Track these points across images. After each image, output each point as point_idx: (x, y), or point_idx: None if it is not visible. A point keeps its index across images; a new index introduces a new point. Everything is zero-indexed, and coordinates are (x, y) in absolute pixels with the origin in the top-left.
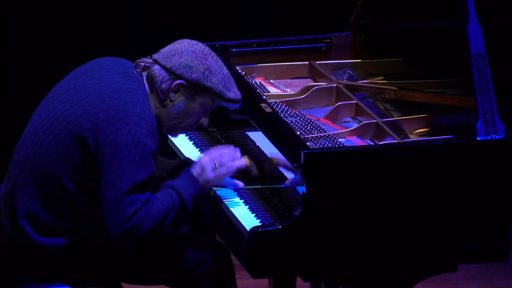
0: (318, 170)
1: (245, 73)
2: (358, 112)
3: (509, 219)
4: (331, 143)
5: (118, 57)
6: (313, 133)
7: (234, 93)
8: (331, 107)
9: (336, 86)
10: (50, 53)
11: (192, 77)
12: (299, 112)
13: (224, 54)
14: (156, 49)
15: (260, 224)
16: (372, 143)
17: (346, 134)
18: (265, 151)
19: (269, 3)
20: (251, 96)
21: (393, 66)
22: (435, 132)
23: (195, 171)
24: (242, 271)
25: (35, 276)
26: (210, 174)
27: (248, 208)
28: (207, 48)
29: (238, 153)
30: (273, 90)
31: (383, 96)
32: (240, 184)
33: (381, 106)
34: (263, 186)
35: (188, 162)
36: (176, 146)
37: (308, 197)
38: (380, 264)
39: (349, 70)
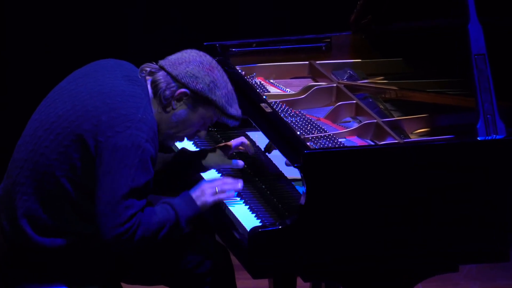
0: (318, 170)
1: (245, 73)
2: (358, 112)
3: (510, 219)
4: (331, 143)
5: (122, 60)
6: (313, 133)
7: (235, 110)
8: (331, 107)
9: (336, 86)
10: (50, 53)
11: (197, 87)
12: (299, 112)
13: (224, 54)
14: (156, 49)
15: (260, 224)
16: (373, 143)
17: (347, 134)
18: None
19: (269, 3)
20: (251, 96)
21: (394, 66)
22: (435, 132)
23: (194, 194)
24: (242, 271)
25: (35, 276)
26: (209, 198)
27: (248, 208)
28: (214, 61)
29: (241, 184)
30: (273, 90)
31: (383, 96)
32: (240, 163)
33: (381, 106)
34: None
35: (184, 154)
36: (176, 146)
37: (308, 197)
38: (380, 264)
39: (349, 70)
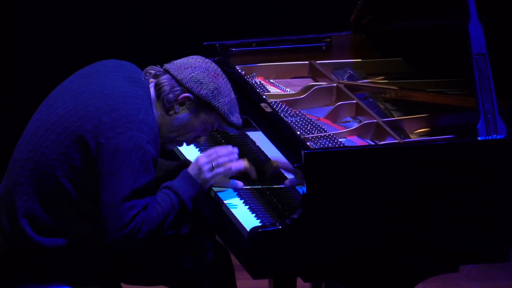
0: (318, 170)
1: (245, 73)
2: (358, 111)
3: (510, 219)
4: (331, 143)
5: (124, 60)
6: (313, 133)
7: (236, 118)
8: (331, 107)
9: (337, 85)
10: (50, 53)
11: (201, 93)
12: (299, 112)
13: (224, 54)
14: (156, 49)
15: (260, 224)
16: (373, 143)
17: (347, 134)
18: (265, 151)
19: (269, 3)
20: (251, 95)
21: (394, 65)
22: (435, 132)
23: (192, 171)
24: (242, 272)
25: (35, 276)
26: (207, 174)
27: (248, 208)
28: (219, 69)
29: (236, 153)
30: (273, 90)
31: (383, 95)
32: (240, 184)
33: (381, 106)
34: (263, 187)
35: (186, 164)
36: (177, 148)
37: (309, 197)
38: (380, 265)
39: (350, 70)
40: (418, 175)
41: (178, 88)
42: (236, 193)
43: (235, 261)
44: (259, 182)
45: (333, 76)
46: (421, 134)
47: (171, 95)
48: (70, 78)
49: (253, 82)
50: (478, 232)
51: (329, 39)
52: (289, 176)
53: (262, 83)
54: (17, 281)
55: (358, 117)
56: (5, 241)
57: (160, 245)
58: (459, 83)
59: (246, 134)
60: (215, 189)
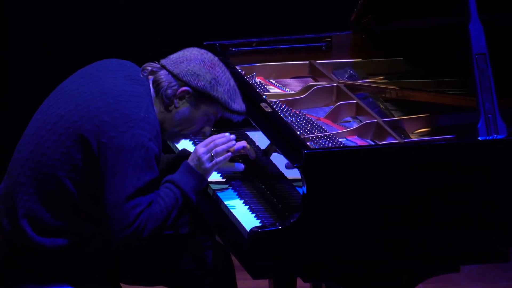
0: (318, 170)
1: (245, 73)
2: (358, 111)
3: (511, 220)
4: (331, 143)
5: (124, 60)
6: (313, 133)
7: (239, 104)
8: (331, 107)
9: (337, 85)
10: (50, 53)
11: (199, 85)
12: (299, 111)
13: (223, 54)
14: (156, 49)
15: (260, 224)
16: (373, 143)
17: (347, 134)
18: None
19: (269, 3)
20: (251, 95)
21: (394, 65)
22: (436, 132)
23: (192, 163)
24: (242, 272)
25: (35, 277)
26: (207, 164)
27: (248, 208)
28: (216, 58)
29: (233, 140)
30: (273, 90)
31: (384, 95)
32: (241, 166)
33: (381, 106)
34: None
35: (186, 154)
36: (175, 145)
37: (309, 197)
38: (380, 265)
39: (350, 70)
40: (419, 175)
41: (175, 82)
42: (236, 193)
43: (235, 261)
44: (259, 181)
45: (333, 76)
46: (422, 134)
47: (169, 91)
48: (70, 78)
49: (253, 82)
50: (479, 232)
51: (329, 39)
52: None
53: (262, 83)
54: (17, 281)
55: (358, 117)
56: (5, 241)
57: (160, 245)
58: (460, 83)
59: (246, 134)
60: (214, 188)
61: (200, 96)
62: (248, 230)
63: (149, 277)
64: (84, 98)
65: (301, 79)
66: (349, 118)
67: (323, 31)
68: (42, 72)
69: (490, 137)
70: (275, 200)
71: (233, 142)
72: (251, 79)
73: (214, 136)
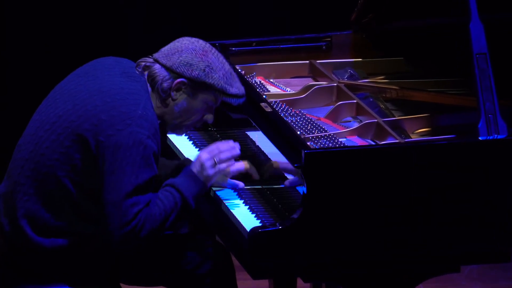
0: (318, 170)
1: (245, 72)
2: (359, 111)
3: (511, 220)
4: (331, 143)
5: (120, 57)
6: (313, 133)
7: (237, 88)
8: (331, 107)
9: (337, 85)
10: (50, 53)
11: (193, 74)
12: (300, 111)
13: (223, 53)
14: (156, 49)
15: (260, 224)
16: (373, 143)
17: (347, 133)
18: (265, 151)
19: (269, 3)
20: (251, 95)
21: (394, 65)
22: (436, 131)
23: (195, 168)
24: (242, 272)
25: (35, 277)
26: (210, 171)
27: (248, 208)
28: (207, 45)
29: (237, 148)
30: (273, 90)
31: (384, 95)
32: (241, 184)
33: (382, 106)
34: (263, 187)
35: (187, 162)
36: (175, 145)
37: (309, 197)
38: (380, 265)
39: (350, 69)
40: (419, 175)
41: (170, 75)
42: (236, 193)
43: (235, 261)
44: (259, 182)
45: (334, 76)
46: (422, 134)
47: (165, 84)
48: (68, 78)
49: (253, 82)
50: (479, 232)
51: (329, 39)
52: (290, 176)
53: (262, 83)
54: (17, 281)
55: (358, 117)
56: (5, 241)
57: (160, 245)
58: (460, 83)
59: (246, 134)
60: (214, 188)
61: (196, 85)
62: (248, 230)
63: (149, 277)
64: (82, 97)
65: (301, 79)
66: (349, 118)
67: (323, 30)
68: (42, 72)
69: (491, 137)
70: (275, 200)
71: (237, 150)
72: (251, 79)
73: (218, 143)
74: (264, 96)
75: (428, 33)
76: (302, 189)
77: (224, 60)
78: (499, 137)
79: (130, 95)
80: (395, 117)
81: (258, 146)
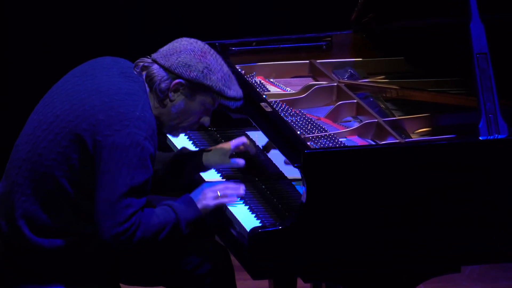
0: (318, 170)
1: (244, 72)
2: (359, 111)
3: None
4: (331, 143)
5: (118, 57)
6: (313, 133)
7: (235, 91)
8: (331, 106)
9: (337, 85)
10: (50, 53)
11: (191, 76)
12: (300, 111)
13: (223, 53)
14: (156, 49)
15: (260, 224)
16: (373, 143)
17: (347, 133)
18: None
19: (269, 3)
20: (251, 95)
21: (395, 65)
22: (437, 131)
23: (196, 197)
24: (242, 272)
25: (33, 277)
26: (210, 202)
27: (248, 208)
28: (206, 46)
29: (243, 189)
30: (273, 89)
31: (384, 95)
32: (241, 161)
33: (382, 106)
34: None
35: (184, 153)
36: (175, 145)
37: (309, 197)
38: (381, 265)
39: (350, 69)
40: (419, 175)
41: (168, 76)
42: (238, 198)
43: (234, 261)
44: (259, 181)
45: (334, 76)
46: (422, 134)
47: (163, 85)
48: (65, 77)
49: (253, 82)
50: (480, 232)
51: (329, 38)
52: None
53: (262, 83)
54: (16, 282)
55: (358, 116)
56: (3, 242)
57: (160, 245)
58: (461, 83)
59: (246, 133)
60: None
61: (194, 87)
62: (248, 230)
63: (148, 277)
64: (80, 97)
65: (301, 78)
66: (349, 118)
67: (323, 30)
68: (42, 72)
69: (491, 137)
70: (275, 200)
71: (243, 190)
72: (251, 79)
73: (226, 182)
74: (264, 96)
75: (428, 32)
76: (302, 189)
77: (222, 62)
78: (499, 137)
79: (128, 95)
80: (395, 117)
81: (258, 146)
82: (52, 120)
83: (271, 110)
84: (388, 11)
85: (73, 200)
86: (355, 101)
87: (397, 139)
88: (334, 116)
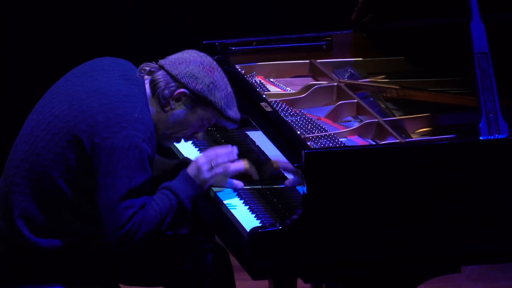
0: (319, 170)
1: (244, 72)
2: (359, 111)
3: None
4: (332, 143)
5: (119, 58)
6: (313, 133)
7: (234, 112)
8: (332, 106)
9: (337, 84)
10: (50, 53)
11: (197, 88)
12: (300, 111)
13: (223, 53)
14: (156, 49)
15: (260, 224)
16: (374, 143)
17: (347, 133)
18: (265, 151)
19: (269, 3)
20: (251, 95)
21: (395, 64)
22: (437, 131)
23: (191, 172)
24: (241, 273)
25: (32, 278)
26: (206, 174)
27: (248, 208)
28: (215, 62)
29: (235, 152)
30: (273, 89)
31: (384, 95)
32: (239, 184)
33: (382, 105)
34: (263, 186)
35: (186, 162)
36: (175, 145)
37: (309, 197)
38: (381, 265)
39: (350, 69)
40: (420, 175)
41: (173, 83)
42: (236, 193)
43: (234, 262)
44: (259, 182)
45: (334, 75)
46: (423, 134)
47: (166, 91)
48: (65, 77)
49: (253, 81)
50: (480, 232)
51: (329, 38)
52: (290, 176)
53: (262, 82)
54: (14, 282)
55: (359, 116)
56: (2, 242)
57: (160, 245)
58: (461, 82)
59: (246, 133)
60: (214, 189)
61: (197, 99)
62: (248, 230)
63: (148, 278)
64: (79, 97)
65: (302, 78)
66: (349, 118)
67: (323, 30)
68: (42, 72)
69: (492, 137)
70: (275, 200)
71: (235, 155)
72: (251, 78)
73: (216, 148)
74: (264, 96)
75: (428, 32)
76: (302, 189)
77: (227, 82)
78: (500, 137)
79: (127, 97)
80: (395, 116)
81: (258, 146)
82: (50, 120)
83: (271, 110)
84: (388, 11)
85: (70, 201)
86: (355, 101)
87: (398, 139)
88: (334, 116)
